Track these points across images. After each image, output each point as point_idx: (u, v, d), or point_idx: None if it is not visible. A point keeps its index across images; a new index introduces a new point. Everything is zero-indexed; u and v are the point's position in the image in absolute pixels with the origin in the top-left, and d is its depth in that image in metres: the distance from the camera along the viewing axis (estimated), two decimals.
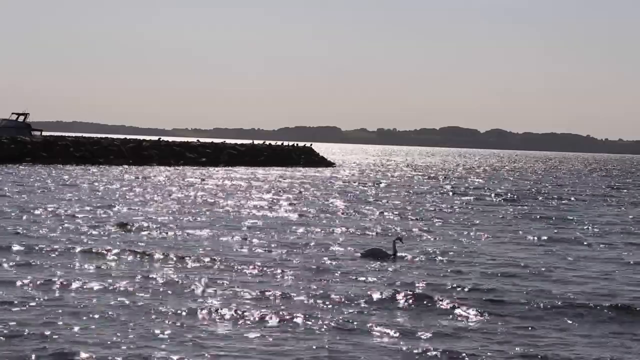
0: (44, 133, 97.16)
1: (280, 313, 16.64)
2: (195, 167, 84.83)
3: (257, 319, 16.25)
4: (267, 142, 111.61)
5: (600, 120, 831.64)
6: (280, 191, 52.41)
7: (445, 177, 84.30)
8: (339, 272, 21.58)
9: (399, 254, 23.96)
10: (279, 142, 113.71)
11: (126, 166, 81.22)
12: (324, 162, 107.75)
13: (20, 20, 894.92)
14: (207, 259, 22.74)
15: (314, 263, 22.83)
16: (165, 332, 15.02)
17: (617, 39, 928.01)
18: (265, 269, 21.69)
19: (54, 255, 23.16)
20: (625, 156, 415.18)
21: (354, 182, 66.14)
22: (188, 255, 23.27)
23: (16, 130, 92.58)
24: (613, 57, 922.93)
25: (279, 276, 20.85)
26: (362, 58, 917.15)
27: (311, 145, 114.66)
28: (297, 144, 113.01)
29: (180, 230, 29.20)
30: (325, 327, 15.84)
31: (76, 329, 15.09)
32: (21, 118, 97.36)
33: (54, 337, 14.52)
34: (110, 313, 16.23)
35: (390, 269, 22.36)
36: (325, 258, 23.87)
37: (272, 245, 26.19)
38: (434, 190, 59.37)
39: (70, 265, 21.59)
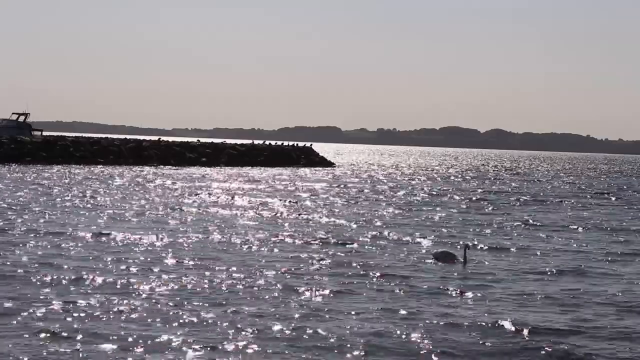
0: (44, 133, 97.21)
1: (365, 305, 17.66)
2: (195, 167, 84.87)
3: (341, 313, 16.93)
4: (267, 142, 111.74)
5: (600, 120, 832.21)
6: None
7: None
8: (413, 270, 22.48)
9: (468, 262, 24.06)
10: (279, 142, 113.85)
11: (126, 166, 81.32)
12: (324, 162, 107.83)
13: (20, 20, 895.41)
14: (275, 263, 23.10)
15: (388, 263, 23.56)
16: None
17: (617, 39, 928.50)
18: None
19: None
20: (626, 156, 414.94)
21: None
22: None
23: (16, 130, 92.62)
24: (613, 57, 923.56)
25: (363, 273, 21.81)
26: (362, 58, 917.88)
27: (311, 145, 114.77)
28: (297, 144, 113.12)
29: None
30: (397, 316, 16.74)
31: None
32: (21, 118, 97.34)
33: None
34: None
35: (460, 272, 22.65)
36: (399, 258, 24.59)
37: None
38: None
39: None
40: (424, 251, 26.21)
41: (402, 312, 17.24)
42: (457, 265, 23.48)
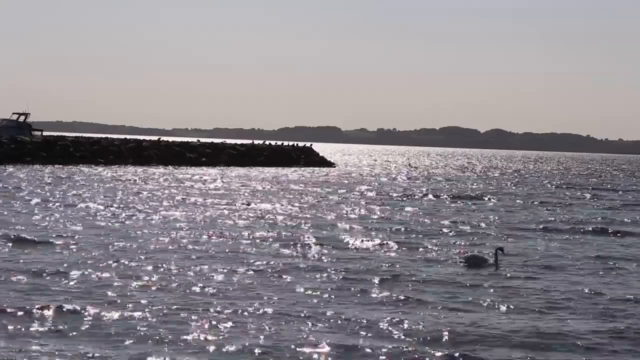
0: (44, 133, 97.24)
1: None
2: (194, 167, 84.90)
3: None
4: (267, 142, 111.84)
5: (600, 120, 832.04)
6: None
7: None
8: (444, 274, 22.06)
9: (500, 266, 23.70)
10: (279, 142, 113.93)
11: (128, 166, 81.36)
12: (324, 162, 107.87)
13: (20, 20, 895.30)
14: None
15: (418, 268, 23.10)
16: None
17: (617, 39, 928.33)
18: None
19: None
20: (626, 156, 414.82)
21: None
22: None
23: (16, 130, 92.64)
24: (613, 57, 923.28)
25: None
26: (362, 58, 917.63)
27: (311, 145, 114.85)
28: (297, 144, 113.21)
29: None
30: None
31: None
32: (22, 118, 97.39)
33: None
34: None
35: (492, 276, 22.27)
36: (430, 262, 24.26)
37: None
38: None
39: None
40: (454, 255, 25.67)
41: (433, 317, 16.93)
42: (489, 269, 23.09)
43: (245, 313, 16.65)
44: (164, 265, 21.98)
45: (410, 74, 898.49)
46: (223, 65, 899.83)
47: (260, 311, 16.82)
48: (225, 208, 39.64)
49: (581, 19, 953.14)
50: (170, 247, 25.44)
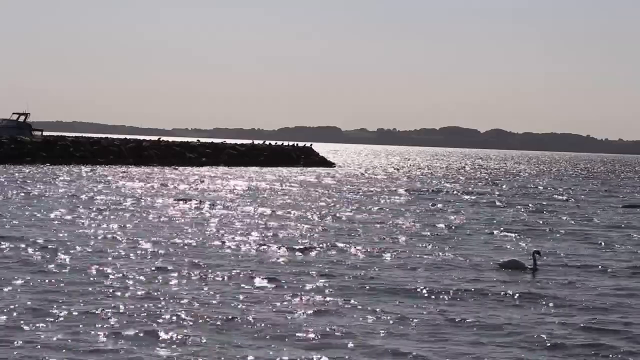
0: (44, 133, 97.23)
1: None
2: (195, 167, 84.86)
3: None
4: (267, 142, 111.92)
5: (600, 120, 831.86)
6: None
7: None
8: (480, 282, 21.39)
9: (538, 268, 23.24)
10: (279, 142, 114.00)
11: (126, 166, 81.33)
12: (324, 162, 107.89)
13: (20, 20, 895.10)
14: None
15: (453, 274, 22.38)
16: None
17: (617, 39, 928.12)
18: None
19: None
20: (626, 156, 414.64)
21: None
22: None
23: (16, 130, 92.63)
24: (613, 57, 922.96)
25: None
26: (362, 58, 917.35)
27: (311, 145, 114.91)
28: (297, 144, 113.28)
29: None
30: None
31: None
32: (22, 118, 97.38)
33: None
34: None
35: (531, 281, 21.78)
36: (463, 266, 23.59)
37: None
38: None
39: None
40: (490, 261, 24.62)
41: (473, 327, 16.43)
42: (527, 275, 22.49)
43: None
44: None
45: (410, 74, 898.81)
46: (223, 65, 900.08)
47: None
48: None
49: (581, 19, 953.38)
50: None
